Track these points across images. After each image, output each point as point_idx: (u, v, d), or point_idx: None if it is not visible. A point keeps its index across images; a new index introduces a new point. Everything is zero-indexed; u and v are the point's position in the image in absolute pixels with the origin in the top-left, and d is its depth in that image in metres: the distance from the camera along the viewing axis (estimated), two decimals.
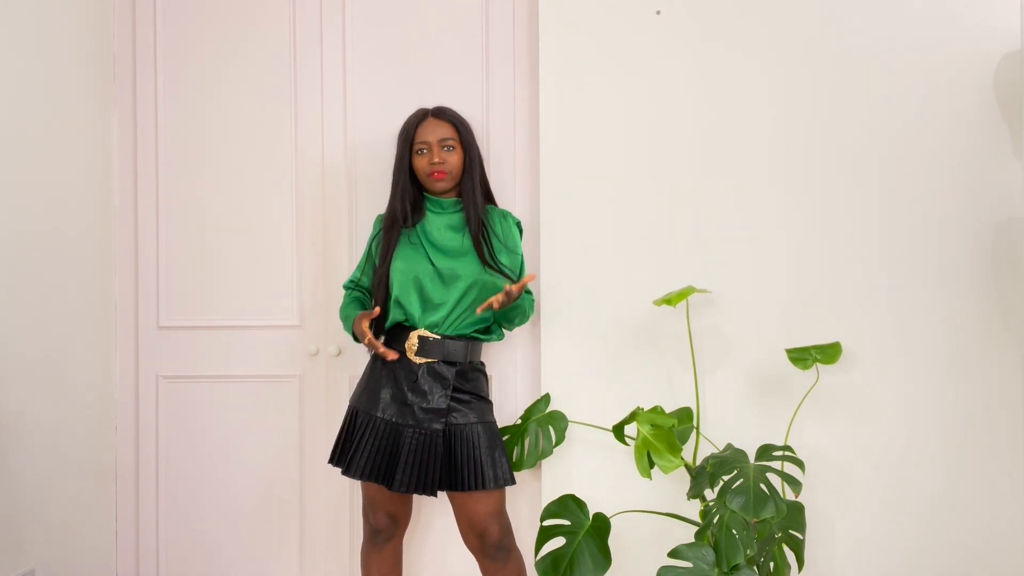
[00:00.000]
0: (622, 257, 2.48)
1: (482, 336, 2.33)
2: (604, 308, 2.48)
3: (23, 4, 2.39)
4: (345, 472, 2.23)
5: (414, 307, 2.26)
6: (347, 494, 2.67)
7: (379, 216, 2.41)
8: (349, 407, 2.31)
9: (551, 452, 2.39)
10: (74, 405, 2.59)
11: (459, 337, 2.27)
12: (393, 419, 2.22)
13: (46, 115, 2.48)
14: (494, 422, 2.30)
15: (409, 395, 2.22)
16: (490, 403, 2.32)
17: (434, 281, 2.26)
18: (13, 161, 2.34)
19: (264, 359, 2.71)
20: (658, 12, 2.48)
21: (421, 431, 2.20)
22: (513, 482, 2.25)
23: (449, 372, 2.24)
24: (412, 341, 2.25)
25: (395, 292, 2.27)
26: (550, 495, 2.44)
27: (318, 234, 2.69)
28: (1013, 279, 2.35)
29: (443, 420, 2.21)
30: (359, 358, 2.59)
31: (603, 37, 2.49)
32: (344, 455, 2.26)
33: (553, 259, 2.50)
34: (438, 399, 2.22)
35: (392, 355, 2.21)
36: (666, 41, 2.48)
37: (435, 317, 2.26)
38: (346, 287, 2.40)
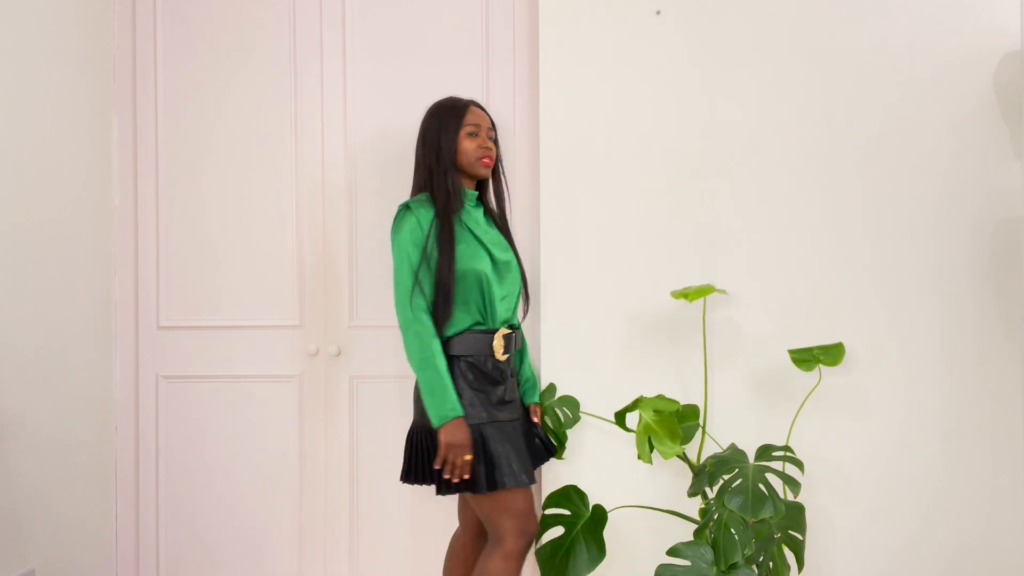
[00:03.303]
0: (621, 256, 2.48)
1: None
2: (604, 307, 2.48)
3: (23, 4, 2.39)
4: (515, 484, 2.07)
5: (492, 306, 2.17)
6: (346, 494, 2.67)
7: (406, 211, 2.12)
8: (471, 427, 2.09)
9: (571, 427, 2.39)
10: (74, 405, 2.59)
11: (518, 326, 2.29)
12: (505, 419, 2.16)
13: (46, 115, 2.48)
14: None
15: (505, 393, 2.19)
16: None
17: (500, 275, 2.19)
18: (13, 161, 2.35)
19: (264, 359, 2.72)
20: (658, 12, 2.48)
21: (520, 422, 2.23)
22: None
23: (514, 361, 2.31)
24: (498, 342, 2.17)
25: (471, 295, 2.13)
26: (552, 485, 2.45)
27: (318, 234, 2.69)
28: (1013, 279, 2.35)
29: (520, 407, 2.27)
30: (359, 358, 2.59)
31: (603, 36, 2.49)
32: (499, 472, 2.07)
33: (553, 257, 2.50)
34: (517, 389, 2.29)
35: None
36: (667, 40, 2.48)
37: (507, 312, 2.23)
38: (417, 314, 2.07)
